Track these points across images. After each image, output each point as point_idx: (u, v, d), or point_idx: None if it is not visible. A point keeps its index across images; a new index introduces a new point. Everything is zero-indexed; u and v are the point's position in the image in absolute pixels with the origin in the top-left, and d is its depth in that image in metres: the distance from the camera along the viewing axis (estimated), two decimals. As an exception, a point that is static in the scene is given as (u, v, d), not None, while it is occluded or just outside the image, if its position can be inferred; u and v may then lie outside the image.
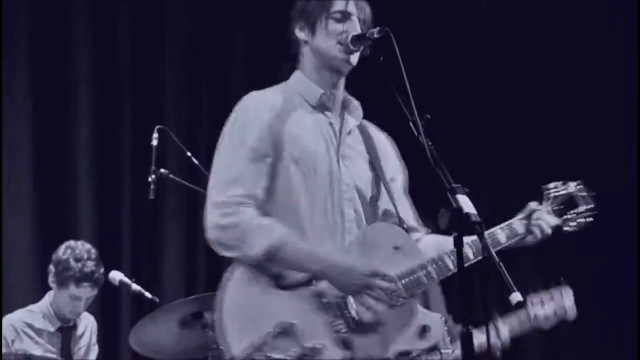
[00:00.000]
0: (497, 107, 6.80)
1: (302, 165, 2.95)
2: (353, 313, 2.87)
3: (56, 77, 5.77)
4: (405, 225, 3.08)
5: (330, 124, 3.05)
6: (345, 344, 2.84)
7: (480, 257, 3.05)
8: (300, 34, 3.05)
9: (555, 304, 4.72)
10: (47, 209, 5.61)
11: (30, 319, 4.76)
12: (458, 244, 2.73)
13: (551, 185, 3.28)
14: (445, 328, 3.67)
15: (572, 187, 3.31)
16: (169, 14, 6.13)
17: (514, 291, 2.62)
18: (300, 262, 2.85)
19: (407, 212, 3.15)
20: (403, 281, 2.93)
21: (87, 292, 4.72)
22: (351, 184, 3.02)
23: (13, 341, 4.67)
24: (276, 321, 2.79)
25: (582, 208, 3.30)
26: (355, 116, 3.11)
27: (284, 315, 2.80)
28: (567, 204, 3.28)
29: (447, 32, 6.79)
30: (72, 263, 4.70)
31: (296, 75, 3.07)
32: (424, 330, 2.94)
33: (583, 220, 3.30)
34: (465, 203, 2.75)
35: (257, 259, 2.82)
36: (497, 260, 2.65)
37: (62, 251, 4.77)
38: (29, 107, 5.66)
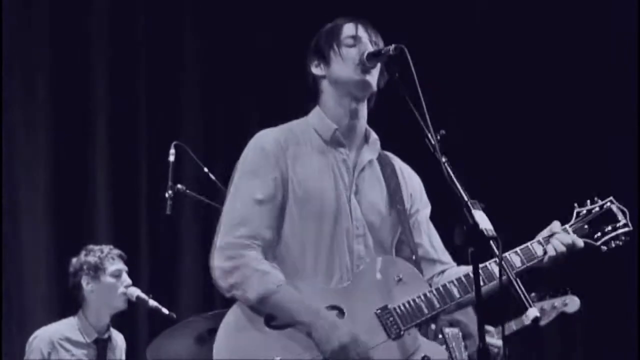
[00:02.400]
0: (512, 118, 6.82)
1: (307, 205, 2.95)
2: None
3: (75, 91, 5.81)
4: (414, 257, 3.05)
5: (344, 160, 3.03)
6: None
7: (515, 272, 2.98)
8: (317, 70, 3.04)
9: (556, 312, 4.83)
10: (63, 225, 5.63)
11: (67, 332, 4.80)
12: (474, 260, 2.71)
13: (587, 202, 3.16)
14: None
15: (608, 203, 3.17)
16: (186, 32, 6.16)
17: (531, 307, 2.62)
18: (290, 312, 2.85)
19: (432, 245, 3.13)
20: (401, 312, 2.92)
21: (122, 265, 4.83)
22: (362, 220, 3.00)
23: (49, 353, 4.71)
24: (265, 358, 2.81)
25: (621, 223, 3.14)
26: (371, 150, 3.09)
27: (273, 353, 2.82)
28: (599, 221, 3.15)
29: (454, 40, 6.82)
30: (98, 252, 4.83)
31: (314, 112, 3.07)
32: None
33: (623, 238, 3.14)
34: (482, 219, 2.73)
35: (252, 303, 2.84)
36: (513, 276, 2.65)
37: (83, 253, 4.86)
38: (47, 122, 5.70)
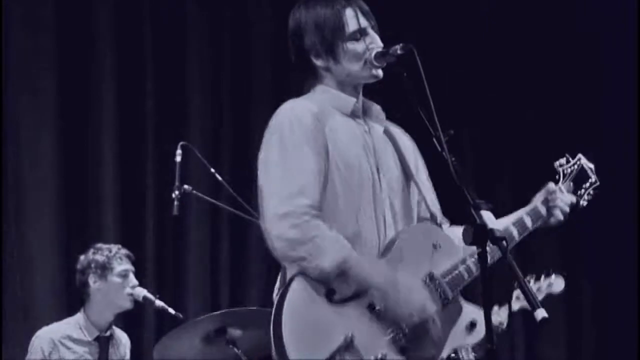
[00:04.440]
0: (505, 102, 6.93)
1: (347, 175, 2.92)
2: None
3: (82, 92, 5.82)
4: (438, 221, 3.08)
5: (366, 131, 3.03)
6: (403, 350, 2.84)
7: (525, 234, 3.11)
8: (318, 61, 2.99)
9: (542, 295, 4.90)
10: (71, 226, 5.65)
11: (68, 330, 4.80)
12: (482, 259, 2.72)
13: (562, 161, 3.27)
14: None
15: (579, 160, 3.29)
16: (192, 33, 6.17)
17: (539, 307, 2.62)
18: (369, 278, 2.82)
19: (435, 205, 3.14)
20: (447, 279, 2.93)
21: (129, 265, 4.83)
22: (388, 191, 3.00)
23: (50, 353, 4.70)
24: (335, 335, 2.75)
25: (592, 178, 3.30)
26: (379, 121, 3.09)
27: (343, 329, 2.78)
28: (578, 178, 3.28)
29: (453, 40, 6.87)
30: (106, 251, 4.83)
31: (321, 89, 3.02)
32: (472, 326, 2.95)
33: (593, 192, 3.31)
34: (489, 219, 2.74)
35: (327, 272, 2.78)
36: (522, 277, 2.64)
37: (92, 251, 4.86)
38: (54, 121, 5.72)
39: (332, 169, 2.90)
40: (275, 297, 2.85)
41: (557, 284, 5.02)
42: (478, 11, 7.06)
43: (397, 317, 2.83)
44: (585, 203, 3.27)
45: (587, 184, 3.28)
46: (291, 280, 2.81)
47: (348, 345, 2.76)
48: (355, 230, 2.92)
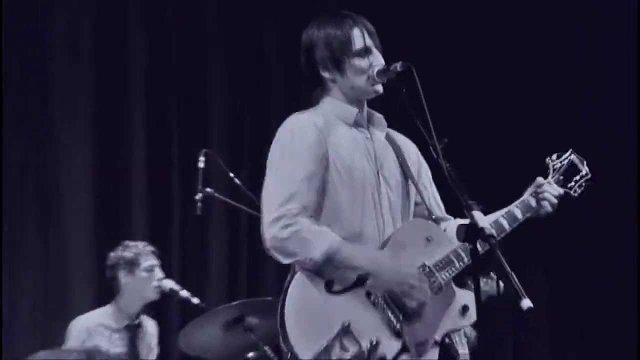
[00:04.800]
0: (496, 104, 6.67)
1: (347, 179, 2.92)
2: (401, 305, 2.86)
3: (114, 105, 5.82)
4: (434, 217, 3.08)
5: (367, 138, 3.03)
6: (398, 334, 2.83)
7: (515, 225, 3.08)
8: (326, 74, 2.99)
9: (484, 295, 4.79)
10: (104, 225, 5.65)
11: (101, 319, 4.82)
12: (473, 256, 2.73)
13: (553, 157, 3.25)
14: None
15: (570, 155, 3.27)
16: (213, 51, 6.15)
17: (524, 298, 2.60)
18: (356, 262, 2.82)
19: (437, 203, 3.14)
20: (439, 267, 2.92)
21: (155, 261, 4.84)
22: (388, 192, 2.99)
23: (85, 340, 4.72)
24: (333, 324, 2.76)
25: (583, 171, 3.27)
26: (380, 129, 3.08)
27: (340, 317, 2.77)
28: (569, 172, 3.25)
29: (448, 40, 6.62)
30: (133, 248, 4.86)
31: (327, 101, 3.03)
32: (464, 310, 2.93)
33: (585, 183, 3.28)
34: (480, 218, 2.72)
35: (317, 261, 2.78)
36: (509, 269, 2.61)
37: (121, 248, 4.88)
38: (92, 131, 5.73)
39: (334, 174, 2.91)
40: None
41: (492, 284, 4.89)
42: (478, 11, 6.78)
43: (388, 289, 2.83)
44: (576, 194, 3.24)
45: (578, 177, 3.26)
46: (293, 276, 2.82)
47: (345, 331, 2.75)
48: (358, 229, 2.91)
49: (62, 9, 5.72)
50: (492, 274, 4.74)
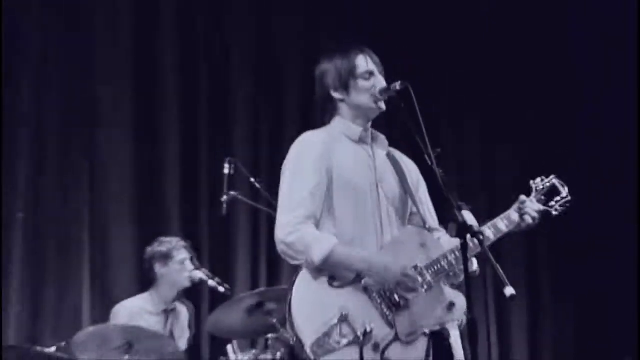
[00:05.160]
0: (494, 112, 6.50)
1: (349, 190, 2.95)
2: (393, 299, 2.86)
3: (153, 117, 5.82)
4: (428, 226, 3.08)
5: (370, 155, 3.05)
6: (390, 325, 2.84)
7: (500, 236, 3.07)
8: (336, 94, 3.05)
9: None
10: (143, 223, 5.63)
11: (142, 304, 4.83)
12: (463, 249, 2.76)
13: (537, 180, 3.24)
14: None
15: (552, 179, 3.26)
16: (237, 74, 6.12)
17: (508, 286, 2.62)
18: (350, 263, 2.84)
19: (431, 215, 3.14)
20: (430, 269, 2.92)
21: (186, 254, 4.82)
22: (386, 202, 3.02)
23: (128, 322, 4.66)
24: (333, 314, 2.76)
25: (563, 194, 3.25)
26: (383, 147, 3.12)
27: (340, 308, 2.78)
28: (550, 193, 3.24)
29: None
30: (167, 244, 4.85)
31: (337, 120, 3.07)
32: (451, 305, 2.92)
33: (565, 205, 3.25)
34: (469, 218, 2.77)
35: (317, 263, 2.81)
36: (494, 260, 2.66)
37: (157, 243, 4.88)
38: (131, 145, 5.73)
39: (337, 185, 2.94)
40: None
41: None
42: (478, 11, 6.52)
43: (384, 282, 2.84)
44: (556, 213, 3.23)
45: (559, 198, 3.24)
46: (298, 272, 2.84)
47: (344, 320, 2.76)
48: (359, 235, 2.93)
49: (102, 20, 5.73)
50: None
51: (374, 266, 2.85)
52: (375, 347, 2.78)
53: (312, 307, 2.79)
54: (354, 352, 2.74)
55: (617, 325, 6.21)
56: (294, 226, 2.84)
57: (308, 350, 2.72)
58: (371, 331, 2.77)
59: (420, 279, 2.88)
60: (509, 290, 2.62)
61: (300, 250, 2.82)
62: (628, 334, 6.04)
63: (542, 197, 3.20)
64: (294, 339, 2.77)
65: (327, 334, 2.74)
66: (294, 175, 2.93)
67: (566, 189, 3.25)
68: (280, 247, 2.87)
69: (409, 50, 6.22)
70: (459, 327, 3.92)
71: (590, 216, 5.99)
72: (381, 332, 2.80)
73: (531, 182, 3.23)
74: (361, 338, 2.76)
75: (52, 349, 4.39)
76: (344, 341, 2.75)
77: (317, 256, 2.80)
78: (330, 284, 2.83)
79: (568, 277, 6.44)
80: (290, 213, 2.86)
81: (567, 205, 3.24)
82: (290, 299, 2.80)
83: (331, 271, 2.83)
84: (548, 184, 3.23)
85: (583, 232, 6.18)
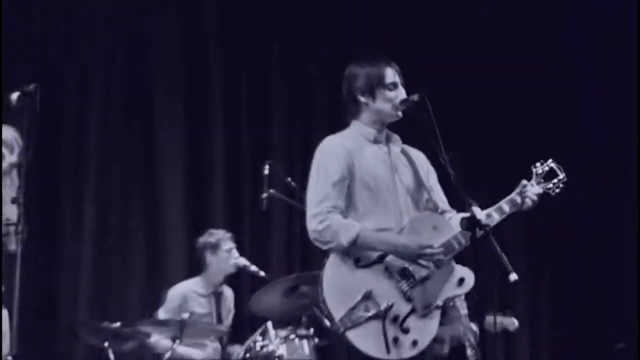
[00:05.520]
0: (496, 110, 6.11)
1: (370, 184, 2.97)
2: (411, 276, 2.89)
3: (203, 126, 5.82)
4: (440, 210, 3.09)
5: (386, 152, 3.07)
6: (409, 298, 2.86)
7: (504, 216, 3.04)
8: (362, 98, 3.03)
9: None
10: (194, 217, 5.65)
11: (194, 287, 4.87)
12: (473, 239, 2.82)
13: (537, 164, 3.20)
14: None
15: (550, 162, 3.22)
16: (276, 91, 6.08)
17: (512, 272, 2.65)
18: (375, 244, 2.87)
19: (441, 199, 3.14)
20: (442, 248, 2.91)
21: (232, 244, 4.84)
22: (404, 192, 3.03)
23: (180, 302, 4.76)
24: (359, 291, 2.79)
25: (561, 176, 3.20)
26: (397, 145, 3.13)
27: (364, 286, 2.81)
28: (549, 176, 3.19)
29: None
30: (216, 235, 4.86)
31: (354, 124, 3.09)
32: (461, 281, 2.94)
33: (562, 185, 3.21)
34: (478, 212, 2.82)
35: (346, 246, 2.83)
36: (499, 249, 2.70)
37: (207, 235, 4.90)
38: (183, 152, 5.74)
39: (360, 180, 2.95)
40: None
41: (511, 323, 4.50)
42: (478, 11, 6.10)
43: (404, 259, 2.86)
44: (554, 193, 3.20)
45: (556, 180, 3.18)
46: (327, 256, 2.87)
47: (368, 296, 2.79)
48: (381, 221, 2.94)
49: (159, 44, 5.74)
50: (508, 311, 4.56)
51: (396, 245, 2.88)
52: (395, 319, 2.81)
53: (340, 286, 2.81)
54: (377, 324, 2.78)
55: (615, 315, 5.97)
56: (324, 215, 2.86)
57: (337, 322, 2.75)
58: (392, 306, 2.81)
59: (435, 254, 2.90)
60: (513, 276, 2.65)
61: (330, 236, 2.84)
62: (624, 321, 5.83)
63: (542, 180, 3.17)
64: (326, 314, 2.79)
65: (354, 309, 2.76)
66: (318, 174, 2.95)
67: (562, 170, 3.22)
68: (312, 235, 2.89)
69: (412, 51, 5.84)
70: (469, 307, 3.93)
71: (589, 212, 5.83)
72: (400, 306, 2.83)
73: (532, 167, 3.18)
74: (383, 312, 2.79)
75: (117, 324, 4.47)
76: (368, 315, 2.77)
77: (345, 240, 2.82)
78: (356, 265, 2.85)
79: (566, 267, 6.29)
80: (318, 205, 2.88)
81: (564, 185, 3.21)
82: (322, 280, 2.82)
83: (356, 253, 2.85)
84: (547, 168, 3.20)
85: (582, 227, 6.00)
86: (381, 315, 2.78)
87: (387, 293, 2.83)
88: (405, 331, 2.80)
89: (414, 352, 2.81)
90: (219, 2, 5.92)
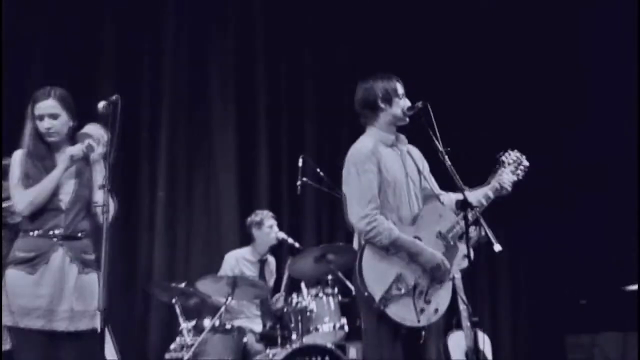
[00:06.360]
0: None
1: (392, 183, 2.96)
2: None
3: (247, 132, 5.81)
4: (436, 192, 3.06)
5: (398, 155, 3.06)
6: (430, 277, 2.87)
7: (489, 202, 3.01)
8: (382, 104, 3.02)
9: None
10: (244, 200, 5.64)
11: (245, 254, 4.87)
12: (465, 222, 2.81)
13: (505, 154, 3.12)
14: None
15: (515, 152, 3.15)
16: (309, 93, 6.03)
17: (496, 243, 2.63)
18: (408, 247, 2.86)
19: (434, 185, 3.13)
20: (450, 233, 2.92)
21: (274, 221, 4.83)
22: (412, 186, 3.03)
23: (234, 266, 4.77)
24: (391, 274, 2.80)
25: (525, 163, 3.13)
26: (404, 144, 3.12)
27: (395, 270, 2.82)
28: (515, 163, 3.12)
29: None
30: (260, 215, 4.86)
31: (372, 130, 3.07)
32: (464, 256, 2.94)
33: (525, 170, 3.13)
34: (469, 196, 2.82)
35: (387, 245, 2.83)
36: (485, 225, 2.71)
37: (254, 214, 4.91)
38: (234, 149, 5.71)
39: (384, 179, 2.92)
40: (357, 250, 2.87)
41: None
42: (478, 11, 5.68)
43: (427, 264, 2.87)
44: (519, 178, 3.12)
45: (522, 167, 3.12)
46: (365, 245, 2.84)
47: (399, 278, 2.80)
48: (398, 211, 2.93)
49: (216, 67, 5.71)
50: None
51: (424, 252, 2.88)
52: (421, 293, 2.84)
53: (377, 270, 2.81)
54: (408, 300, 2.80)
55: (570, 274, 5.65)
56: (372, 217, 2.83)
57: (377, 301, 2.75)
58: (417, 284, 2.83)
59: (444, 240, 2.91)
60: (497, 247, 2.62)
61: (375, 235, 2.82)
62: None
63: (512, 168, 3.11)
64: (366, 295, 2.76)
65: (389, 289, 2.77)
66: (359, 176, 2.88)
67: (525, 158, 3.14)
68: (360, 231, 2.85)
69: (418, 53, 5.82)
70: (460, 271, 3.91)
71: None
72: (424, 281, 2.86)
73: (502, 157, 3.11)
74: (411, 290, 2.81)
75: (183, 285, 4.52)
76: (401, 293, 2.79)
77: (387, 240, 2.83)
78: (387, 253, 2.84)
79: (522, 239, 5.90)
80: (366, 206, 2.83)
81: (526, 171, 3.13)
82: (361, 267, 2.80)
83: (389, 248, 2.84)
84: (514, 157, 3.13)
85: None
86: (410, 293, 2.80)
87: (413, 273, 2.84)
88: (428, 302, 2.83)
89: (436, 317, 2.85)
90: (266, 28, 5.92)
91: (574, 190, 5.55)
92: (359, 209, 2.84)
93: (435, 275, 2.87)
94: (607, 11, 5.24)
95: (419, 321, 2.79)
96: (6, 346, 2.94)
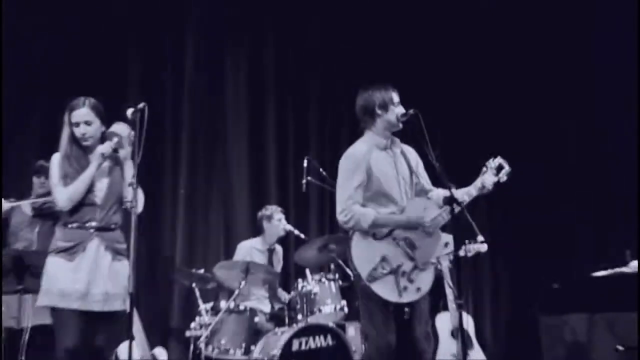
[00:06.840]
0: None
1: (381, 180, 2.96)
2: (412, 243, 2.88)
3: (264, 132, 5.76)
4: (427, 188, 3.07)
5: (391, 156, 3.06)
6: (412, 258, 2.89)
7: (472, 198, 2.99)
8: (379, 111, 3.02)
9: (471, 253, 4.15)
10: (255, 196, 5.61)
11: (255, 244, 4.85)
12: (452, 215, 2.81)
13: (489, 161, 3.11)
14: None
15: (498, 158, 3.14)
16: (314, 103, 5.99)
17: (479, 235, 2.61)
18: (387, 223, 2.89)
19: (427, 181, 3.13)
20: (433, 222, 2.94)
21: (282, 215, 4.80)
22: (403, 184, 3.02)
23: (245, 256, 4.74)
24: (377, 256, 2.82)
25: (507, 168, 3.11)
26: (397, 147, 3.11)
27: (380, 252, 2.85)
28: (499, 168, 3.11)
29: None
30: (270, 209, 4.83)
31: (368, 134, 3.07)
32: (446, 244, 2.97)
33: (508, 175, 3.12)
34: (455, 192, 2.82)
35: (367, 228, 2.86)
36: (470, 217, 2.69)
37: (264, 209, 4.89)
38: (246, 152, 5.68)
39: (376, 179, 2.93)
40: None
41: (482, 247, 4.24)
42: (478, 11, 5.34)
43: (408, 228, 2.85)
44: (503, 181, 3.12)
45: (504, 171, 3.12)
46: (353, 233, 2.88)
47: (384, 260, 2.82)
48: (390, 205, 2.94)
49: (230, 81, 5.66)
50: (478, 238, 4.26)
51: (402, 221, 2.89)
52: (403, 273, 2.85)
53: (364, 253, 2.85)
54: (391, 278, 2.82)
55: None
56: (348, 208, 2.86)
57: (364, 278, 2.78)
58: (401, 265, 2.85)
59: (427, 224, 2.90)
60: (480, 238, 2.61)
61: (354, 223, 2.86)
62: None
63: (494, 171, 3.11)
64: (355, 273, 2.80)
65: (374, 269, 2.80)
66: (346, 175, 2.92)
67: (507, 164, 3.13)
68: (341, 222, 2.89)
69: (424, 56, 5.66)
70: (450, 262, 3.90)
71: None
72: (406, 264, 2.87)
73: (487, 163, 3.09)
74: (395, 269, 2.83)
75: (202, 271, 4.51)
76: (385, 272, 2.81)
77: (365, 224, 2.86)
78: (374, 238, 2.87)
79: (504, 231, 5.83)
80: (344, 202, 2.88)
81: (509, 175, 3.12)
82: (351, 250, 2.85)
83: (373, 230, 2.86)
84: (497, 162, 3.13)
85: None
86: (394, 272, 2.82)
87: (397, 256, 2.86)
88: (411, 281, 2.83)
89: (418, 296, 2.86)
90: (276, 54, 5.89)
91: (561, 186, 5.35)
92: (338, 206, 2.87)
93: (415, 245, 2.84)
94: (606, 11, 5.00)
95: (400, 296, 2.79)
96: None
